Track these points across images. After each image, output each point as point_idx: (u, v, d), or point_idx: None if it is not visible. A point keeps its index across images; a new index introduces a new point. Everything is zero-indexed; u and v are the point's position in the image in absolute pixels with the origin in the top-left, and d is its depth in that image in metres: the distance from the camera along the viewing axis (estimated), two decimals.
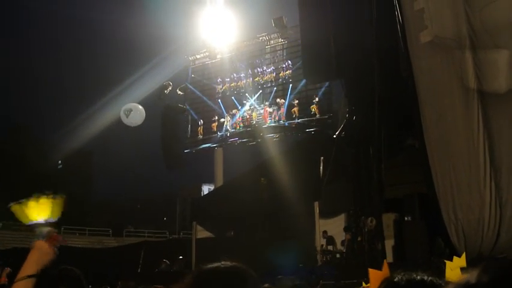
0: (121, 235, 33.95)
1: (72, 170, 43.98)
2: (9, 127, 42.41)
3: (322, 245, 15.22)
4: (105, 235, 33.97)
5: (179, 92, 23.84)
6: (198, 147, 23.05)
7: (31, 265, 2.19)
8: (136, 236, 33.44)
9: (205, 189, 39.52)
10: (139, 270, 17.81)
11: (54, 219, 2.29)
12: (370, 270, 1.84)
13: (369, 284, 1.94)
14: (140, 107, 15.33)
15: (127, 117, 14.77)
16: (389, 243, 12.67)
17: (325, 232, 15.49)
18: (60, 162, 45.60)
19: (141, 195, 46.64)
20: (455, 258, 2.17)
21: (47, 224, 2.27)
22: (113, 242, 31.78)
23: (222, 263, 1.73)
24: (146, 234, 34.10)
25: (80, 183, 43.07)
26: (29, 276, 2.13)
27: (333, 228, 15.67)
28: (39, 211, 2.27)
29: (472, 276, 0.49)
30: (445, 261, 1.98)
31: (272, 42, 21.99)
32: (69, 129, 40.63)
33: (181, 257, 17.25)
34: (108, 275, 11.37)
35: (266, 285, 3.87)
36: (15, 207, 2.27)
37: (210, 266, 1.69)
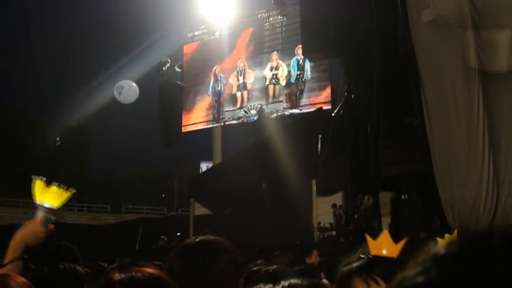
0: (119, 212, 34.12)
1: (69, 147, 43.96)
2: (5, 105, 42.17)
3: (319, 222, 15.30)
4: (103, 212, 34.15)
5: (177, 69, 23.73)
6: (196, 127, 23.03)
7: (20, 244, 2.19)
8: (135, 212, 33.59)
9: (204, 166, 39.61)
10: (137, 247, 17.93)
11: (56, 208, 2.32)
12: (368, 237, 1.86)
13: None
14: (133, 83, 15.23)
15: (120, 94, 14.72)
16: (385, 221, 12.76)
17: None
18: (58, 139, 45.57)
19: (140, 172, 46.72)
20: (447, 235, 2.18)
21: (50, 210, 2.29)
22: (111, 218, 31.97)
23: (206, 236, 1.81)
24: (144, 211, 34.26)
25: (77, 160, 43.12)
26: (15, 260, 2.14)
27: (330, 206, 15.75)
28: (50, 196, 2.29)
29: (443, 247, 0.48)
30: (438, 238, 1.99)
31: (271, 19, 21.82)
32: (67, 107, 40.53)
33: (178, 234, 17.35)
34: (106, 252, 11.43)
35: (259, 261, 3.90)
36: (35, 181, 2.29)
37: (194, 238, 1.79)
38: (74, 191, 2.35)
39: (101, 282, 1.37)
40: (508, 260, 0.44)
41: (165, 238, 17.20)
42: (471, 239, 0.48)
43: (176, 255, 1.79)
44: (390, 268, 1.68)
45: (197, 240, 1.84)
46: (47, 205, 2.29)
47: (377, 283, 1.61)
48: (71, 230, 16.85)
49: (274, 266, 2.72)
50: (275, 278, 1.17)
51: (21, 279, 1.61)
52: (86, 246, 6.90)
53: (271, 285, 1.11)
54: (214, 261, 1.75)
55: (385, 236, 1.91)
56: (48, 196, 2.29)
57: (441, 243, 1.64)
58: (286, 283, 1.13)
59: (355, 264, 1.68)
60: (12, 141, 38.32)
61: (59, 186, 2.31)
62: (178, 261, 1.77)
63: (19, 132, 39.41)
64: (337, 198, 16.21)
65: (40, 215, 2.26)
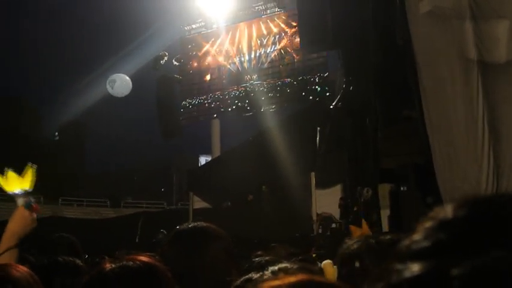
0: (119, 206, 34.10)
1: (68, 141, 43.92)
2: (2, 97, 42.00)
3: (317, 214, 15.29)
4: (102, 206, 34.12)
5: (175, 63, 23.68)
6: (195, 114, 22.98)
7: (12, 235, 2.20)
8: (134, 206, 33.58)
9: (203, 160, 39.66)
10: (137, 240, 17.95)
11: (30, 189, 2.34)
12: (352, 227, 1.94)
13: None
14: (126, 77, 15.23)
15: (112, 88, 14.74)
16: (384, 214, 12.77)
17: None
18: (56, 134, 45.54)
19: (139, 166, 46.75)
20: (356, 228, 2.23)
21: (25, 194, 2.31)
22: (110, 212, 31.95)
23: (198, 223, 1.82)
24: (144, 205, 34.26)
25: (75, 154, 43.10)
26: (10, 248, 2.15)
27: (330, 198, 15.74)
28: (16, 182, 2.31)
29: (447, 211, 0.47)
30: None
31: (269, 12, 21.75)
32: (65, 101, 40.48)
33: (178, 227, 17.35)
34: (106, 246, 11.44)
35: (259, 252, 3.90)
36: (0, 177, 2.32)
37: (187, 225, 1.80)
38: (34, 166, 2.36)
39: (93, 273, 1.36)
40: None
41: (164, 232, 17.19)
42: (479, 203, 0.47)
43: (168, 241, 1.80)
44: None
45: (189, 226, 1.84)
46: (19, 191, 2.30)
47: None
48: (70, 224, 16.86)
49: (267, 257, 2.71)
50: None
51: (23, 268, 1.61)
52: (86, 240, 6.89)
53: (262, 273, 1.10)
54: (206, 247, 1.75)
55: (364, 226, 2.00)
56: (15, 182, 2.31)
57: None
58: (276, 267, 1.13)
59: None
60: (11, 135, 38.26)
61: (11, 170, 2.32)
62: (170, 247, 1.77)
63: (17, 127, 39.36)
64: (337, 191, 16.22)
65: (19, 201, 2.28)
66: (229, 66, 22.30)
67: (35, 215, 2.28)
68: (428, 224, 0.49)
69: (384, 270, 0.47)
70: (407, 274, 0.44)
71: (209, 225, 1.86)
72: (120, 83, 14.89)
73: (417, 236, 0.48)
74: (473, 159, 9.24)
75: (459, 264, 0.41)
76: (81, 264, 2.31)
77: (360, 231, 1.93)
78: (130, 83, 15.22)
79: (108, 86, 15.17)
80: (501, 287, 0.40)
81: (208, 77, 22.75)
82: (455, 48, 9.65)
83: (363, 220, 2.10)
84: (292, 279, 0.61)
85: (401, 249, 0.48)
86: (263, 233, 12.84)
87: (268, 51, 21.28)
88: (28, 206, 2.26)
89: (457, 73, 9.53)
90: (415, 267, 0.44)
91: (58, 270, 2.17)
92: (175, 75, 23.73)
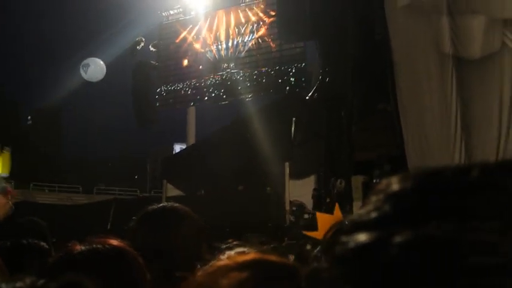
0: (91, 192, 33.77)
1: (42, 127, 43.26)
2: None
3: (290, 201, 15.32)
4: (75, 192, 33.73)
5: (152, 49, 23.46)
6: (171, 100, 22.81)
7: None
8: (107, 193, 33.28)
9: (178, 148, 39.47)
10: (108, 227, 17.78)
11: (5, 173, 2.28)
12: (318, 214, 1.86)
13: (316, 232, 1.95)
14: (100, 61, 15.03)
15: (86, 73, 14.56)
16: (357, 205, 12.87)
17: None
18: (29, 118, 44.80)
19: (113, 153, 46.33)
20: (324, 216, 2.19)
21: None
22: (82, 199, 31.60)
23: (168, 203, 1.81)
24: (117, 192, 33.98)
25: (49, 140, 42.49)
26: None
27: (305, 188, 15.81)
28: None
29: (394, 183, 0.47)
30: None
31: (247, 0, 21.61)
32: (40, 86, 39.78)
33: None
34: (77, 232, 11.31)
35: (230, 240, 3.89)
36: None
37: (156, 205, 1.78)
38: (7, 150, 2.30)
39: (61, 254, 1.33)
40: (462, 190, 0.44)
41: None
42: (426, 175, 0.48)
43: (137, 222, 1.78)
44: None
45: (159, 206, 1.83)
46: None
47: None
48: (42, 209, 16.58)
49: (235, 242, 2.70)
50: None
51: None
52: (56, 226, 6.78)
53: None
54: (177, 226, 1.74)
55: (337, 211, 1.90)
56: None
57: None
58: (233, 252, 1.12)
59: None
60: None
61: None
62: (140, 228, 1.75)
63: None
64: (311, 181, 16.29)
65: None
66: (206, 54, 22.14)
67: (8, 200, 2.23)
68: (375, 197, 0.48)
69: (330, 243, 0.47)
70: (351, 245, 0.45)
71: (179, 205, 1.85)
72: (94, 68, 14.72)
73: (364, 210, 0.48)
74: (446, 153, 9.39)
75: (401, 233, 0.42)
76: (47, 247, 2.27)
77: (330, 218, 1.87)
78: (105, 67, 15.06)
79: (81, 71, 14.98)
80: (438, 257, 0.40)
81: (185, 64, 22.57)
82: (431, 43, 9.76)
83: (336, 205, 2.02)
84: (243, 258, 0.60)
85: (348, 223, 0.48)
86: (236, 222, 12.84)
87: (245, 40, 21.16)
88: (3, 191, 2.22)
89: (433, 68, 9.64)
90: (359, 238, 0.44)
91: (22, 252, 2.13)
92: (152, 61, 23.51)
